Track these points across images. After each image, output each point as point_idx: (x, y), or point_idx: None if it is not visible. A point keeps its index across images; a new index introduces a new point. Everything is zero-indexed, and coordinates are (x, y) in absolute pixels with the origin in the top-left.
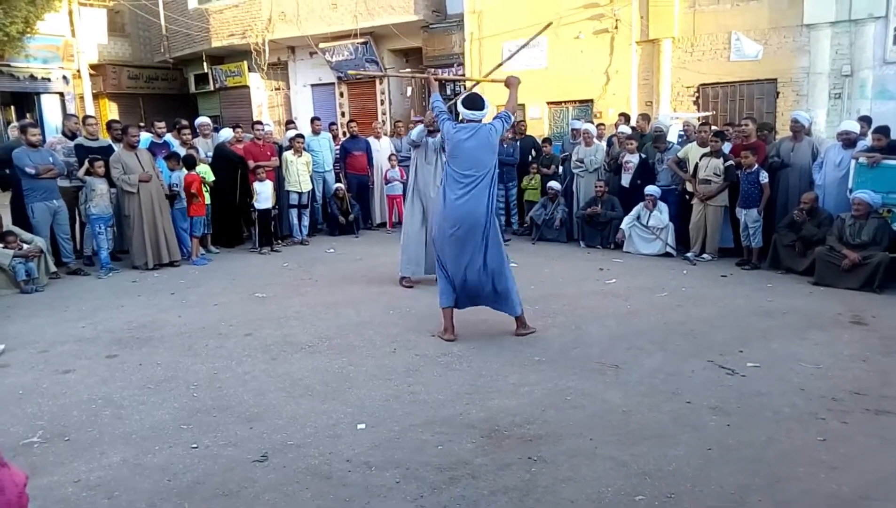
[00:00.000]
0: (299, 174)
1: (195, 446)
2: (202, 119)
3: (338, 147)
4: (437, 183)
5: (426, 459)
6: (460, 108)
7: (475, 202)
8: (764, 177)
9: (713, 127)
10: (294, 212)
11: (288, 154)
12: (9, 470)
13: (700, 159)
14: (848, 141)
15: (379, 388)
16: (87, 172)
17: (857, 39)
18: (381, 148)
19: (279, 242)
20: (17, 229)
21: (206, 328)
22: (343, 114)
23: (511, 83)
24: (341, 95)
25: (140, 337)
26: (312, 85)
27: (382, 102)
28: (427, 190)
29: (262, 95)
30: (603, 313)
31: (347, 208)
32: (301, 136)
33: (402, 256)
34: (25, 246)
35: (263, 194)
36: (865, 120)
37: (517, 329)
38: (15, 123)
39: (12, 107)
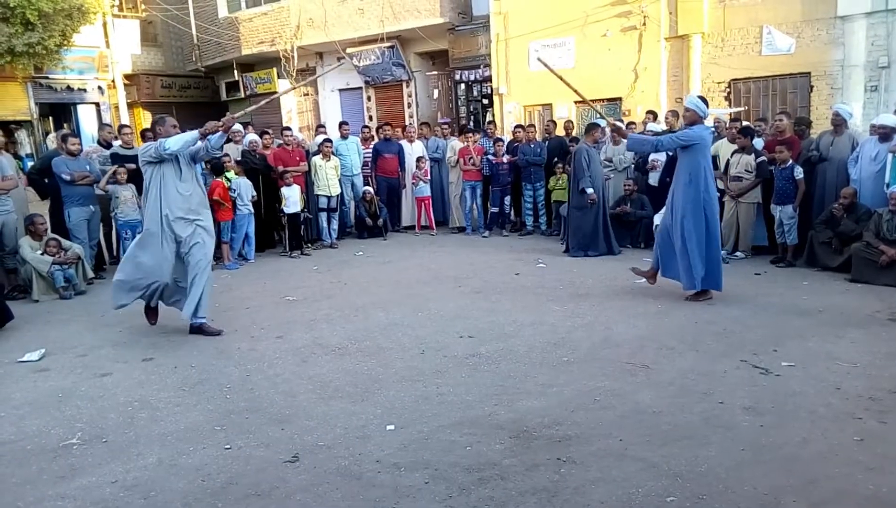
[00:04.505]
0: (328, 178)
1: (228, 447)
2: (236, 126)
3: (367, 150)
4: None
5: (455, 460)
6: (701, 105)
7: None
8: (799, 173)
9: (743, 123)
10: (323, 216)
11: (317, 159)
12: None
13: (731, 156)
14: (884, 134)
15: (408, 389)
16: (111, 181)
17: (895, 30)
18: (414, 151)
19: (309, 245)
20: (57, 237)
21: (238, 331)
22: (371, 118)
23: None
24: (369, 98)
25: (174, 340)
26: (340, 90)
27: (409, 105)
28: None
29: (291, 100)
30: (632, 312)
31: (376, 211)
32: (329, 140)
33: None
34: (65, 253)
35: (292, 199)
36: None
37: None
38: (53, 134)
39: (50, 118)
